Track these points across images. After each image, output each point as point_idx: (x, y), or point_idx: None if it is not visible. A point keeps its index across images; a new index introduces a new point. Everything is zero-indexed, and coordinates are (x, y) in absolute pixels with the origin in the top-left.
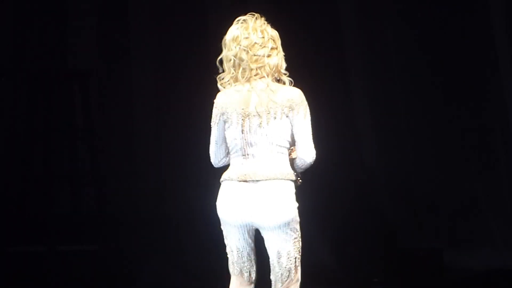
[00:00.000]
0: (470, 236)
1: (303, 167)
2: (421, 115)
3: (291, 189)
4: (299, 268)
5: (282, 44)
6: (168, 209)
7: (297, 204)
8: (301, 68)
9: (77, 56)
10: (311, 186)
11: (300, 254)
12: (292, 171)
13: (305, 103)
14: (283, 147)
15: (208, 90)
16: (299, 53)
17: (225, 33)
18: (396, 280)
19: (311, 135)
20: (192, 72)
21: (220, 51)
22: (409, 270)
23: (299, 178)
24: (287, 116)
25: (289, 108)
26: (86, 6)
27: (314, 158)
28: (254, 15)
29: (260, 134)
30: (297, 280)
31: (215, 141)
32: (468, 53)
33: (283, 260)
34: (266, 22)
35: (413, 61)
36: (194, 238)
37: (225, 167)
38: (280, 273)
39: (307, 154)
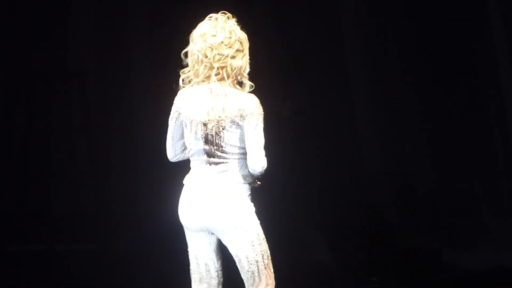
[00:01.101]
0: (468, 236)
1: (254, 176)
2: (420, 114)
3: (243, 191)
4: (265, 272)
5: (285, 44)
6: (167, 208)
7: (250, 207)
8: (301, 67)
9: (75, 56)
10: (310, 185)
11: (265, 258)
12: (245, 175)
13: (258, 111)
14: (235, 153)
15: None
16: (299, 52)
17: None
18: (395, 279)
19: (262, 145)
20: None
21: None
22: (407, 269)
23: (257, 181)
24: (238, 124)
25: (240, 117)
26: (84, 5)
27: (264, 168)
28: (226, 14)
29: (214, 142)
30: (267, 285)
31: (172, 137)
32: (469, 53)
33: (244, 264)
34: (236, 23)
35: (415, 61)
36: None
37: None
38: (244, 277)
39: (256, 164)
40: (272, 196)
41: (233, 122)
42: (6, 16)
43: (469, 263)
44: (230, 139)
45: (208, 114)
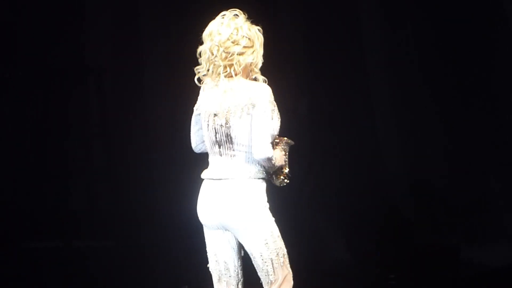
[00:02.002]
0: (486, 232)
1: (266, 167)
2: (438, 110)
3: (255, 187)
4: (279, 271)
5: (304, 41)
6: (185, 205)
7: (263, 204)
8: (319, 63)
9: (92, 53)
10: (327, 183)
11: (280, 256)
12: (258, 169)
13: (269, 99)
14: (245, 145)
15: None
16: (317, 48)
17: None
18: (412, 276)
19: (267, 133)
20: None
21: None
22: (425, 266)
23: (283, 174)
24: (249, 114)
25: (251, 105)
26: (100, 4)
27: (267, 157)
28: (235, 11)
29: (224, 133)
30: (283, 283)
31: (193, 125)
32: (487, 50)
33: (258, 261)
34: (246, 20)
35: (432, 57)
36: None
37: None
38: (259, 274)
39: (257, 152)
40: (289, 194)
41: (242, 111)
42: (21, 14)
43: (487, 260)
44: (240, 130)
45: (220, 105)
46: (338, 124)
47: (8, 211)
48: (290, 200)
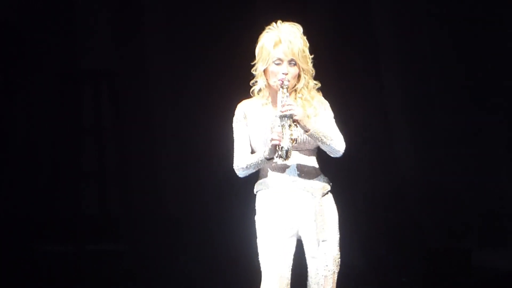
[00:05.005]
0: (498, 236)
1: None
2: (453, 114)
3: (256, 202)
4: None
5: (318, 48)
6: (196, 209)
7: (257, 217)
8: (333, 70)
9: (104, 56)
10: (341, 188)
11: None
12: (256, 183)
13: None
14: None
15: (227, 91)
16: (331, 55)
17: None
18: (424, 280)
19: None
20: (215, 72)
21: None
22: (437, 270)
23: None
24: None
25: None
26: (104, 10)
27: (236, 170)
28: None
29: None
30: None
31: None
32: (502, 54)
33: None
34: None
35: (448, 63)
36: (225, 238)
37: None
38: None
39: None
40: None
41: None
42: (33, 18)
43: (499, 264)
44: None
45: None
46: (352, 130)
47: (21, 214)
48: None
